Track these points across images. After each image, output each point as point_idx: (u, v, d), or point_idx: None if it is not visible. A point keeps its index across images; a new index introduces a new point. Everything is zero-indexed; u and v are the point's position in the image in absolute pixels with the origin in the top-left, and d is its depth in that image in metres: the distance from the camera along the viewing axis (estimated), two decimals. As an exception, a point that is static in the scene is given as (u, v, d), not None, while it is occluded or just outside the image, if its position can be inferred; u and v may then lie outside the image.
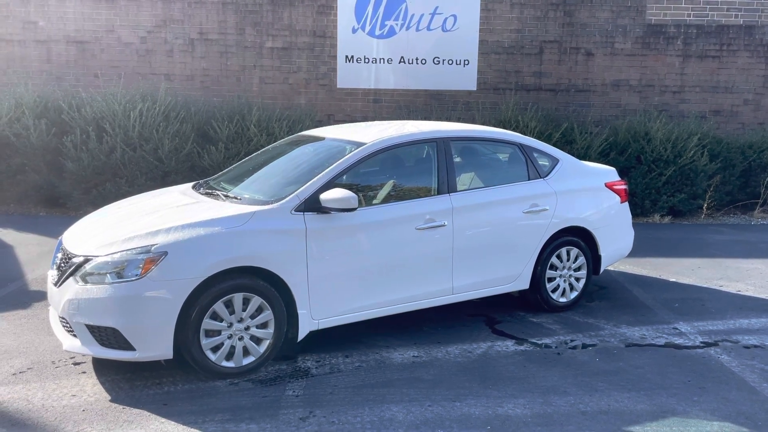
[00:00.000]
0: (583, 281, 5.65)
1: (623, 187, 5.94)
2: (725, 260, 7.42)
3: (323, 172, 4.54)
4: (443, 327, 5.16)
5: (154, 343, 3.93)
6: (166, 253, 3.93)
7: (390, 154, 4.93)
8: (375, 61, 11.15)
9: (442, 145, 5.05)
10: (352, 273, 4.52)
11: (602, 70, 11.32)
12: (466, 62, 11.20)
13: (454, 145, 5.13)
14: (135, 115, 9.01)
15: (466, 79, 11.27)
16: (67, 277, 4.07)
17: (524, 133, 9.52)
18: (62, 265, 4.21)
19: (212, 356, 4.09)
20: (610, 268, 6.85)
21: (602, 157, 9.65)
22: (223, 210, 4.35)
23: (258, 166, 5.24)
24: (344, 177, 4.60)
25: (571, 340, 4.96)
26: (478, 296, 5.18)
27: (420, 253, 4.79)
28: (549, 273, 5.46)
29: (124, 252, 3.96)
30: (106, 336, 3.92)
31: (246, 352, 4.21)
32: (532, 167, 5.46)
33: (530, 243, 5.30)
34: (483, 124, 10.02)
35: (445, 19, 11.09)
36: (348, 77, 11.19)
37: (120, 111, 9.08)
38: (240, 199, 4.58)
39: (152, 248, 3.95)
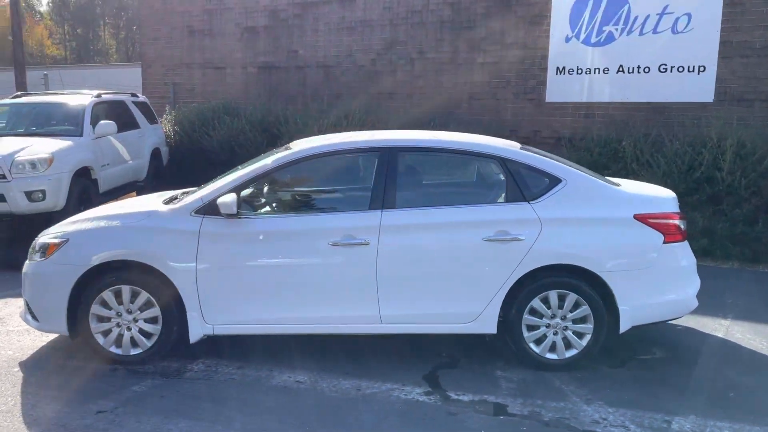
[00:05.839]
0: (588, 338, 4.33)
1: (672, 221, 4.32)
2: None
3: (232, 178, 4.49)
4: (382, 359, 4.54)
5: (51, 318, 4.44)
6: (68, 240, 4.42)
7: (320, 163, 4.58)
8: (589, 71, 9.97)
9: (385, 155, 4.45)
10: (250, 282, 4.35)
11: None
12: (702, 69, 9.22)
13: (403, 156, 4.48)
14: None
15: (700, 89, 9.27)
16: (32, 255, 4.87)
17: (713, 151, 7.52)
18: (38, 244, 5.03)
19: (101, 340, 4.42)
20: (712, 332, 5.01)
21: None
22: (136, 208, 4.65)
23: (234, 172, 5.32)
24: (258, 184, 4.49)
25: (496, 404, 3.89)
26: (420, 331, 4.42)
27: (334, 271, 4.33)
28: (529, 319, 4.33)
29: (48, 236, 4.57)
30: (27, 305, 4.58)
31: (134, 343, 4.43)
32: (513, 187, 4.38)
33: (492, 278, 4.28)
34: (678, 138, 8.17)
35: (677, 19, 9.32)
36: (558, 90, 10.25)
37: (324, 126, 9.92)
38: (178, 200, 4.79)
39: (61, 234, 4.48)
